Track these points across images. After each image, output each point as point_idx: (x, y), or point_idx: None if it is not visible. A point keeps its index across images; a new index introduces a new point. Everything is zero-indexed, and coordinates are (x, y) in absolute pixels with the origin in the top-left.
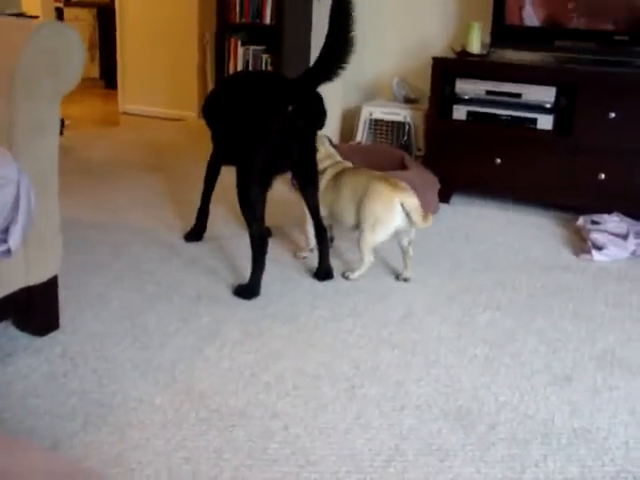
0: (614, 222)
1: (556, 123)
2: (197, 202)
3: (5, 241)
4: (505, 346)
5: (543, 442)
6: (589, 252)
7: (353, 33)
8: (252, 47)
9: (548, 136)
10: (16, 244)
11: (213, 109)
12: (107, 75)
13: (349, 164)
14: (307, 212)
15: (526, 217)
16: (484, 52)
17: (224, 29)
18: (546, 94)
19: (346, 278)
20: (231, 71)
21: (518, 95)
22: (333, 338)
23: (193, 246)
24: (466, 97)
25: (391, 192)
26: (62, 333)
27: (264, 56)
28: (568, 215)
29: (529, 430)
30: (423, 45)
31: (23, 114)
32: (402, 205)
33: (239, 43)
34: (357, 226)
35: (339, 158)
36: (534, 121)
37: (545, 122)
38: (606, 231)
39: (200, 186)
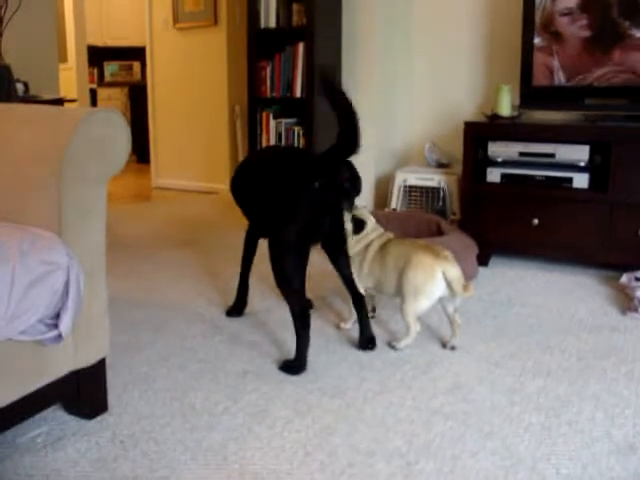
0: None
1: (591, 181)
2: (234, 275)
3: (56, 326)
4: (560, 414)
5: None
6: (636, 310)
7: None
8: (284, 120)
9: (584, 194)
10: (66, 330)
11: (240, 186)
12: (139, 150)
13: (392, 235)
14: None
15: (567, 277)
16: (515, 114)
17: (256, 103)
18: (580, 153)
19: (392, 347)
20: (264, 143)
21: (552, 155)
22: (383, 411)
23: (234, 321)
24: (499, 159)
25: (433, 261)
26: (110, 415)
27: (296, 128)
28: (610, 273)
29: None
30: (453, 110)
31: (71, 199)
32: (444, 274)
33: (271, 116)
34: (398, 294)
35: (382, 230)
36: (569, 180)
37: (580, 180)
38: None
39: (237, 259)
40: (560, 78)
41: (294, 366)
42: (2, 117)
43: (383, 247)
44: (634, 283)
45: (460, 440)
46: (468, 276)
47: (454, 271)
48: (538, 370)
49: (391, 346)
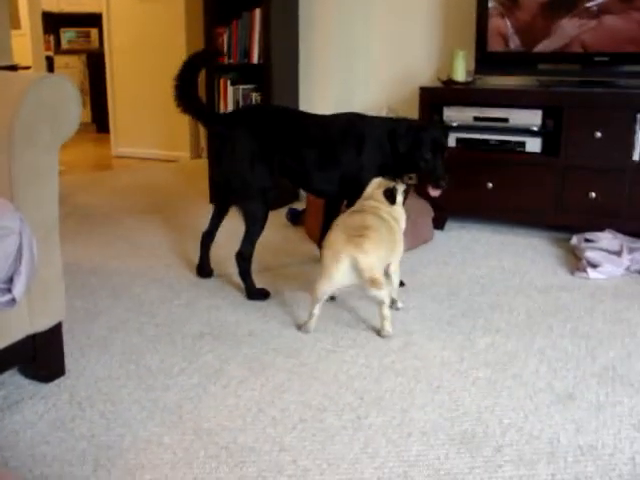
0: (607, 239)
1: (544, 145)
2: (194, 241)
3: (9, 291)
4: (507, 368)
5: (550, 461)
6: (584, 270)
7: None
8: (242, 86)
9: (537, 158)
10: (20, 294)
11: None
12: (99, 119)
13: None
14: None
15: (520, 239)
16: (470, 79)
17: (213, 70)
18: (532, 117)
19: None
20: (222, 110)
21: (505, 120)
22: (336, 369)
23: (192, 286)
24: (454, 124)
25: (341, 245)
26: (68, 379)
27: (253, 94)
28: (562, 235)
29: (535, 450)
30: (410, 75)
31: (23, 164)
32: (352, 261)
33: (229, 83)
34: None
35: (371, 203)
36: (522, 144)
37: (533, 145)
38: (600, 249)
39: (196, 225)
40: (514, 44)
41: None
42: None
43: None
44: (583, 244)
45: (409, 394)
46: (424, 239)
47: (363, 261)
48: (488, 328)
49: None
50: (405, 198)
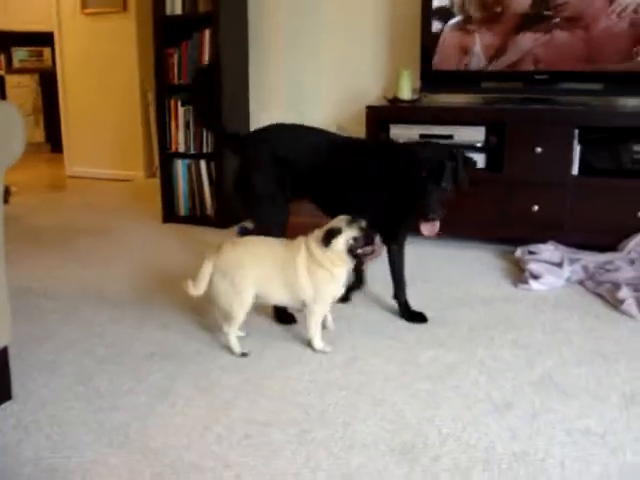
0: (549, 251)
1: (488, 161)
2: (142, 261)
3: None
4: (447, 380)
5: (485, 469)
6: (527, 282)
7: None
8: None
9: (482, 174)
10: None
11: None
12: (52, 139)
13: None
14: None
15: (467, 252)
16: (415, 97)
17: (164, 90)
18: (476, 134)
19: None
20: (174, 131)
21: (450, 137)
22: (282, 386)
23: (141, 306)
24: (401, 141)
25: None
26: (15, 403)
27: None
28: (507, 247)
29: (471, 458)
30: (359, 94)
31: None
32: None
33: (179, 103)
34: None
35: None
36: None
37: (477, 161)
38: (542, 260)
39: (145, 244)
40: (459, 62)
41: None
42: None
43: None
44: (527, 256)
45: (352, 408)
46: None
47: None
48: (431, 341)
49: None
50: (356, 256)
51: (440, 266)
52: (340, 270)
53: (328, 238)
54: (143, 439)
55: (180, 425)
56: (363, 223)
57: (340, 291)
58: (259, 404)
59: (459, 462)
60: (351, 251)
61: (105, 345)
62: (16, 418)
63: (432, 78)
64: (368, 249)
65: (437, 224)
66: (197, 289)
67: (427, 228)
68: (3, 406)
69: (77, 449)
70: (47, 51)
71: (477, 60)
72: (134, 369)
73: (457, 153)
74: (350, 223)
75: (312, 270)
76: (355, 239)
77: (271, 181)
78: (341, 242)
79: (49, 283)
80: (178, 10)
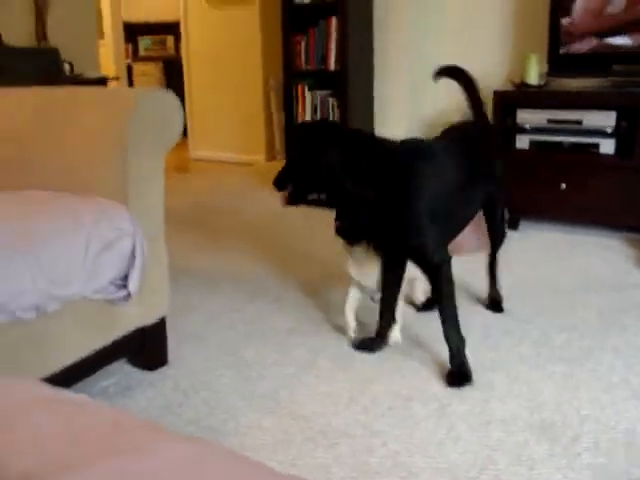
0: None
1: (618, 147)
2: (277, 241)
3: (125, 287)
4: (583, 363)
5: (627, 450)
6: None
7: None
8: (319, 92)
9: (611, 160)
10: (134, 289)
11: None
12: None
13: None
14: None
15: (594, 239)
16: (542, 82)
17: (291, 76)
18: (606, 119)
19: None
20: (300, 114)
21: (579, 122)
22: (420, 364)
23: (279, 285)
24: (528, 127)
25: None
26: (170, 368)
27: (330, 100)
28: (635, 235)
29: (612, 439)
30: (483, 78)
31: (134, 171)
32: None
33: (306, 88)
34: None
35: None
36: (596, 146)
37: (607, 146)
38: None
39: (277, 226)
40: (588, 45)
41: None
42: (69, 100)
43: None
44: None
45: (489, 385)
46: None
47: None
48: (563, 325)
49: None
50: None
51: (566, 252)
52: None
53: None
54: (292, 406)
55: (326, 395)
56: None
57: None
58: (399, 380)
59: (599, 442)
60: None
61: (246, 320)
62: (173, 382)
63: (560, 62)
64: None
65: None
66: None
67: None
68: (160, 370)
69: (233, 414)
70: (170, 40)
71: (603, 42)
72: (277, 343)
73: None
74: None
75: None
76: None
77: None
78: None
79: (188, 260)
80: None
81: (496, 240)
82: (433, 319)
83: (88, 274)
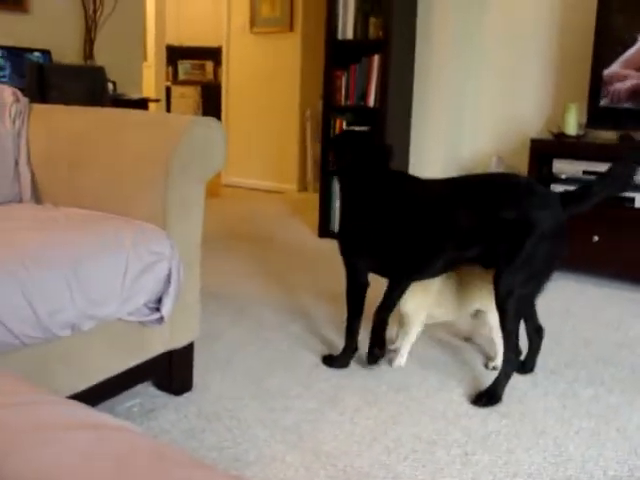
0: None
1: None
2: (305, 270)
3: (158, 310)
4: (610, 421)
5: None
6: None
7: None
8: (356, 127)
9: None
10: (168, 313)
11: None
12: None
13: None
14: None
15: (625, 294)
16: (581, 133)
17: (330, 110)
18: None
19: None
20: None
21: None
22: (444, 407)
23: (306, 315)
24: (563, 177)
25: None
26: (194, 394)
27: None
28: None
29: None
30: (520, 125)
31: (175, 196)
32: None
33: (344, 124)
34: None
35: None
36: (632, 200)
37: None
38: None
39: (308, 255)
40: (628, 100)
41: (492, 396)
42: (117, 122)
43: None
44: None
45: (514, 436)
46: None
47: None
48: (591, 379)
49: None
50: None
51: (596, 305)
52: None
53: None
54: (315, 442)
55: (350, 433)
56: None
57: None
58: (423, 422)
59: None
60: None
61: (272, 349)
62: (197, 407)
63: (600, 113)
64: None
65: None
66: None
67: None
68: (185, 395)
69: (255, 444)
70: (209, 65)
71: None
72: (302, 375)
73: None
74: None
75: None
76: None
77: None
78: None
79: (218, 285)
80: (349, 35)
81: None
82: (458, 354)
83: (125, 295)
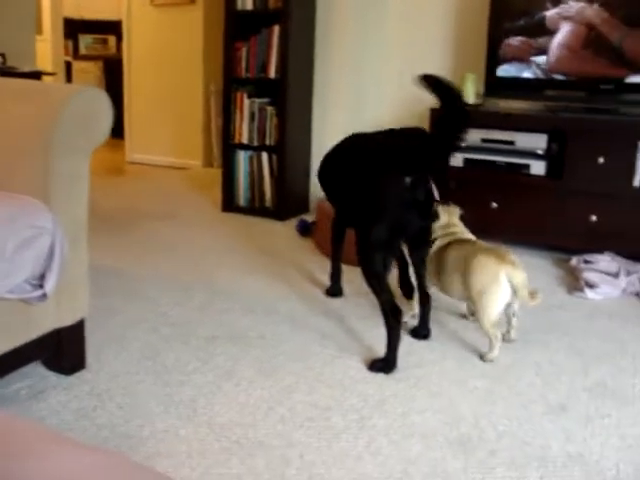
0: (605, 261)
1: (548, 168)
2: (208, 247)
3: (41, 286)
4: (503, 379)
5: (540, 466)
6: (582, 290)
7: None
8: (257, 100)
9: (541, 181)
10: (51, 289)
11: (328, 173)
12: (114, 125)
13: (464, 236)
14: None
15: (522, 258)
16: (479, 102)
17: (231, 83)
18: (538, 141)
19: (485, 361)
20: (238, 122)
21: (511, 142)
22: (342, 374)
23: (204, 290)
24: (463, 145)
25: (496, 265)
26: (88, 372)
27: (269, 108)
28: (562, 255)
29: (527, 455)
30: (420, 95)
31: (58, 169)
32: (509, 279)
33: (245, 96)
34: (466, 299)
35: (456, 229)
36: (527, 167)
37: (537, 168)
38: (598, 270)
39: (210, 232)
40: (523, 69)
41: (385, 364)
42: None
43: (443, 248)
44: (582, 265)
45: (410, 399)
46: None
47: (520, 277)
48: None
49: (483, 360)
50: None
51: None
52: None
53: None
54: (210, 414)
55: (245, 404)
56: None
57: None
58: (320, 390)
59: (515, 458)
60: None
61: (169, 324)
62: (90, 386)
63: (496, 83)
64: None
65: None
66: (500, 305)
67: None
68: (77, 374)
69: (148, 420)
70: (111, 39)
71: (540, 67)
72: (198, 349)
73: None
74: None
75: None
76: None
77: None
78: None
79: (116, 263)
80: (249, 6)
81: None
82: (352, 333)
83: (2, 272)
